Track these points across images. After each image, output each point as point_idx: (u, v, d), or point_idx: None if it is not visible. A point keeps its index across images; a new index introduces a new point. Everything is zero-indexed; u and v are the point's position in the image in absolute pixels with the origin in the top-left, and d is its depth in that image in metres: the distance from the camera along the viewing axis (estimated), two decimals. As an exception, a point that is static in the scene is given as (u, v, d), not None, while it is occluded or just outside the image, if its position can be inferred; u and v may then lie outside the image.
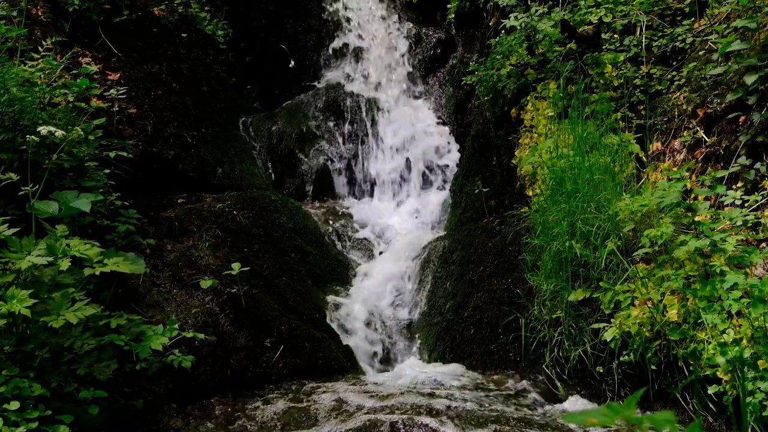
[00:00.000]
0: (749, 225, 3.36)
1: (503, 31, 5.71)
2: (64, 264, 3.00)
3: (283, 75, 7.76)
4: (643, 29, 4.77)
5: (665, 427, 0.89)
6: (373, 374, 4.71)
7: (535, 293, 4.14)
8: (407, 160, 6.88)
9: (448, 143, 7.04)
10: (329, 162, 6.87)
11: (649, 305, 3.35)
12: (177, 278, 4.39)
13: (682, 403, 3.27)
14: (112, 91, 5.13)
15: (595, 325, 3.63)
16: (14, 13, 4.72)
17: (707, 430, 3.08)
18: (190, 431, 3.54)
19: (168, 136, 5.65)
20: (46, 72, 4.38)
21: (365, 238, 6.10)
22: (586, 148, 4.06)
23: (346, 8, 8.06)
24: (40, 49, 4.58)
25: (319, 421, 3.43)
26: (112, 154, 4.44)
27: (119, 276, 3.53)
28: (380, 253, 5.98)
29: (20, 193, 3.28)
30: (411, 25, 8.05)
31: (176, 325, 3.40)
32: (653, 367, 3.33)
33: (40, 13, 5.26)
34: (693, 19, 4.69)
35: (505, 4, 5.65)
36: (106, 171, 4.17)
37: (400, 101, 7.48)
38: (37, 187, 3.25)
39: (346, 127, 7.10)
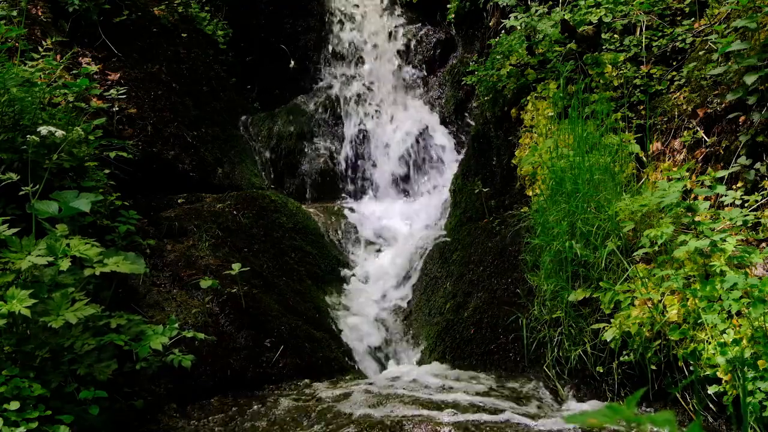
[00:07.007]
0: (749, 225, 3.36)
1: (503, 31, 5.71)
2: (64, 264, 2.99)
3: (282, 75, 7.76)
4: (643, 29, 4.77)
5: (665, 427, 0.89)
6: (373, 374, 4.71)
7: (535, 293, 4.14)
8: (407, 160, 6.88)
9: (448, 143, 7.05)
10: (329, 162, 6.87)
11: (649, 305, 3.35)
12: (177, 278, 4.39)
13: (682, 403, 3.27)
14: (112, 91, 5.13)
15: (595, 325, 3.63)
16: (14, 13, 4.71)
17: (707, 430, 3.08)
18: (190, 431, 3.53)
19: (168, 136, 5.65)
20: (46, 72, 4.38)
21: (365, 238, 6.10)
22: (586, 148, 4.05)
23: (346, 9, 8.06)
24: (40, 49, 4.58)
25: (320, 421, 3.43)
26: (112, 154, 4.44)
27: (119, 276, 3.53)
28: (380, 253, 5.98)
29: (20, 193, 3.28)
30: (411, 25, 8.05)
31: (176, 325, 3.40)
32: (653, 367, 3.33)
33: (40, 13, 5.26)
34: (693, 19, 4.69)
35: (505, 4, 5.65)
36: (106, 171, 4.17)
37: (400, 101, 7.49)
38: (37, 187, 3.25)
39: (346, 128, 7.10)
